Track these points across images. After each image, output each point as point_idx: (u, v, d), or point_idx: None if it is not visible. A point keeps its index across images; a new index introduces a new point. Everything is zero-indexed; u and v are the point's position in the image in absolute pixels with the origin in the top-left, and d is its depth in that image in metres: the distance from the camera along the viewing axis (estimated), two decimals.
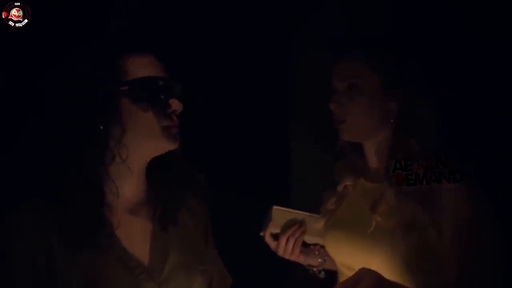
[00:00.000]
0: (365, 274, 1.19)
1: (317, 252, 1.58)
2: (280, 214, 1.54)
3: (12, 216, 1.16)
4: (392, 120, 1.37)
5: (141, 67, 1.21)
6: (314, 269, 1.59)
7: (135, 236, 1.22)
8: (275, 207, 1.54)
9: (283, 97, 1.97)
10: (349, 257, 1.40)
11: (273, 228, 1.54)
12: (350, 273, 1.35)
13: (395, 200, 1.33)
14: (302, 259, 1.57)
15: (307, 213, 1.56)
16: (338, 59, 1.43)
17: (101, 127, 1.16)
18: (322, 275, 1.59)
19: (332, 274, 1.54)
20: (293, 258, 1.54)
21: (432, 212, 1.28)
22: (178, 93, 1.24)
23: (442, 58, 1.65)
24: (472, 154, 1.37)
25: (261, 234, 1.57)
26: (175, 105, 1.22)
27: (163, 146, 1.22)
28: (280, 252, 1.53)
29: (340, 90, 1.40)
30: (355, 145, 1.47)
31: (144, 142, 1.20)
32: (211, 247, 1.37)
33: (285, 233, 1.52)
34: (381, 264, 1.30)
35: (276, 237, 1.55)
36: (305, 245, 1.56)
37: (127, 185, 1.23)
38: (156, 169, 1.27)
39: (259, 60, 1.91)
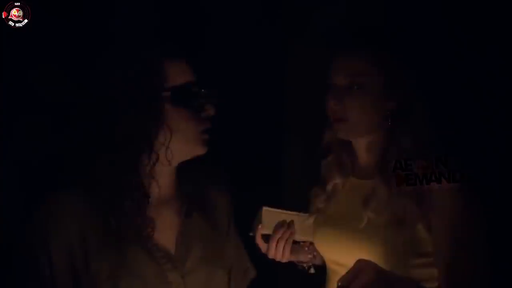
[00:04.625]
0: (364, 265, 1.20)
1: (306, 249, 1.57)
2: (269, 215, 1.54)
3: (54, 204, 1.24)
4: (386, 120, 1.37)
5: (178, 72, 1.27)
6: (304, 265, 1.59)
7: (164, 229, 1.30)
8: (264, 208, 1.54)
9: (278, 94, 1.96)
10: (339, 254, 1.41)
11: (263, 229, 1.54)
12: (339, 269, 1.38)
13: (387, 196, 1.33)
14: (292, 256, 1.56)
15: (297, 213, 1.56)
16: (339, 52, 1.39)
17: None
18: (311, 270, 1.59)
19: (321, 270, 1.55)
20: (284, 260, 1.54)
21: (422, 208, 1.29)
22: (214, 98, 1.29)
23: (441, 59, 1.65)
24: (467, 156, 1.37)
25: (251, 234, 1.57)
26: (210, 110, 1.28)
27: (196, 150, 1.30)
28: (271, 255, 1.52)
29: (342, 86, 1.36)
30: (344, 142, 1.47)
31: (182, 146, 1.27)
32: (234, 240, 1.45)
33: (275, 236, 1.51)
34: (372, 259, 1.29)
35: (266, 238, 1.54)
36: (294, 242, 1.56)
37: (162, 183, 1.30)
38: (183, 166, 1.34)
39: (255, 57, 1.90)
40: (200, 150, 1.30)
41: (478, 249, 1.26)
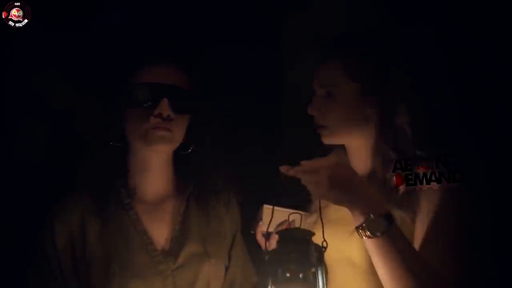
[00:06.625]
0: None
1: None
2: (270, 213, 1.54)
3: (61, 202, 1.39)
4: (370, 125, 1.39)
5: (152, 74, 1.33)
6: None
7: (160, 224, 1.39)
8: (265, 205, 1.55)
9: (278, 93, 1.97)
10: (337, 252, 1.40)
11: (263, 227, 1.54)
12: (338, 267, 1.42)
13: None
14: None
15: (298, 211, 1.56)
16: (319, 63, 1.45)
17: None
18: None
19: None
20: None
21: (415, 211, 1.30)
22: (173, 97, 1.32)
23: (421, 65, 1.63)
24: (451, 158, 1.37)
25: (252, 232, 1.58)
26: (161, 108, 1.31)
27: (149, 147, 1.35)
28: None
29: (319, 95, 1.43)
30: (339, 145, 1.50)
31: (137, 143, 1.36)
32: (238, 246, 1.52)
33: (275, 233, 1.51)
34: (364, 260, 1.33)
35: (267, 235, 1.54)
36: None
37: (149, 179, 1.40)
38: (187, 165, 1.43)
39: (254, 59, 1.91)
40: (152, 148, 1.34)
41: (464, 249, 1.26)
